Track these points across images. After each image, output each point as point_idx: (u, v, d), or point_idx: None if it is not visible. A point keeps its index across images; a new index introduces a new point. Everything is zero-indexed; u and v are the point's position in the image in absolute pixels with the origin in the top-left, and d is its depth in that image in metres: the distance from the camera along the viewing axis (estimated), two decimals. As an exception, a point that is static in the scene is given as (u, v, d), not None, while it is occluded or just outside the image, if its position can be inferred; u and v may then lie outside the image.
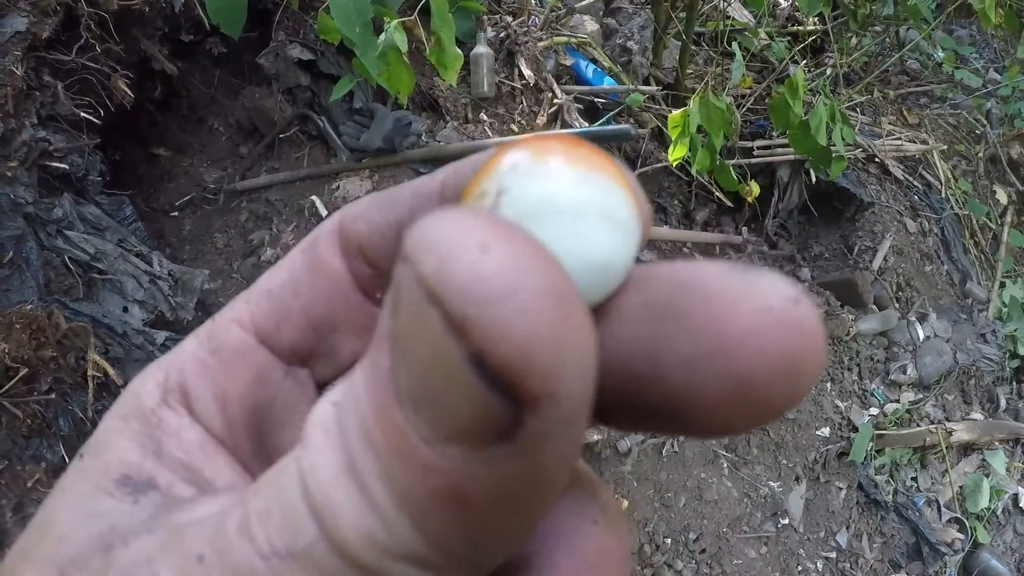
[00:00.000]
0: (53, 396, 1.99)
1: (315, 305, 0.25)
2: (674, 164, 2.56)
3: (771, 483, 2.58)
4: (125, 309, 2.28)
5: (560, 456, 0.15)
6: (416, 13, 1.88)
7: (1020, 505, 3.14)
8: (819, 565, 2.60)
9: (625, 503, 2.28)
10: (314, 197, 2.60)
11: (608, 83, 2.96)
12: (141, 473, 0.23)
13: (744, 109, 3.16)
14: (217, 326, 0.26)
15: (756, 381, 0.16)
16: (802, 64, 3.39)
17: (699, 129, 2.47)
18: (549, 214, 0.15)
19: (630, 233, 0.16)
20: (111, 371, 2.05)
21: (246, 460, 0.25)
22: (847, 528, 2.73)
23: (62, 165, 2.40)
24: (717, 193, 3.17)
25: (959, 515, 2.95)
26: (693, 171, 2.57)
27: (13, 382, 1.88)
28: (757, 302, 0.16)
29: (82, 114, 2.45)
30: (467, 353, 0.13)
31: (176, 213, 3.00)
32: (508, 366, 0.13)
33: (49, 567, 0.20)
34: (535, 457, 0.14)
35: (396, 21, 1.77)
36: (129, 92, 2.55)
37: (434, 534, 0.15)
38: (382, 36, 1.86)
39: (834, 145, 2.70)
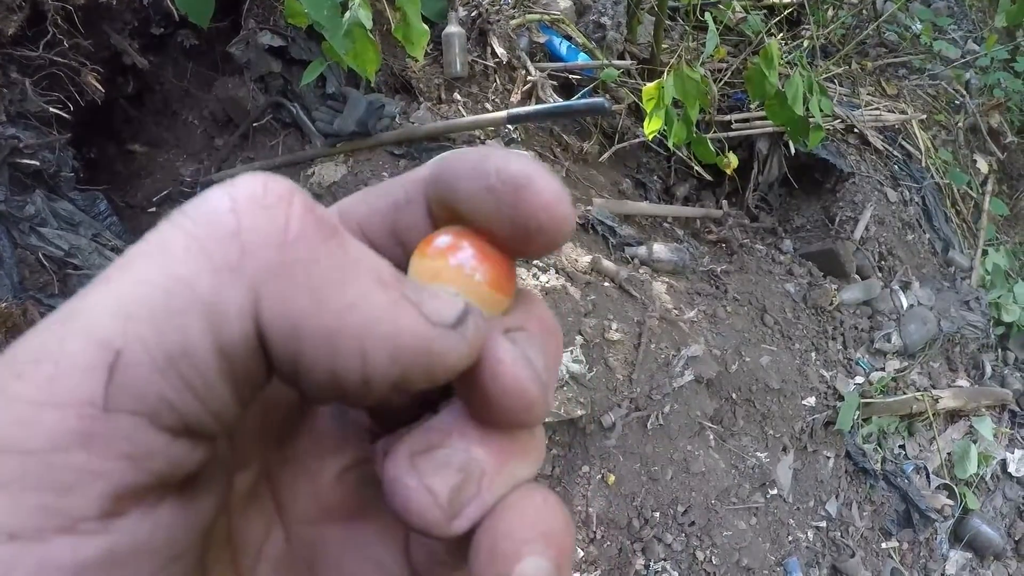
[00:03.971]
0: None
1: None
2: (650, 137, 2.55)
3: (758, 454, 2.58)
4: (102, 303, 2.25)
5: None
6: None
7: (1009, 470, 3.15)
8: (809, 534, 2.60)
9: (612, 478, 2.27)
10: (289, 184, 2.58)
11: (583, 59, 2.94)
12: None
13: (721, 83, 3.16)
14: None
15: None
16: (778, 37, 3.38)
17: (675, 102, 2.46)
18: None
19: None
20: (89, 365, 2.04)
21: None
22: (836, 497, 2.73)
23: (33, 162, 2.37)
24: (696, 168, 3.17)
25: (948, 482, 2.96)
26: (669, 144, 2.56)
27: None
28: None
29: (52, 110, 2.42)
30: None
31: (154, 209, 2.98)
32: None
33: None
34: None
35: (361, -2, 1.76)
36: (100, 87, 2.53)
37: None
38: (347, 14, 1.85)
39: (811, 115, 2.69)
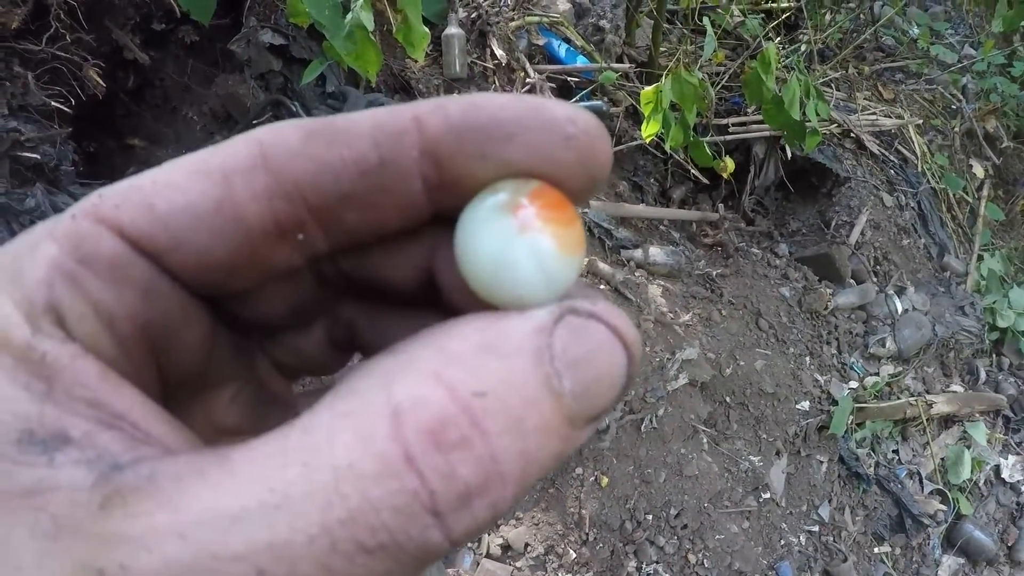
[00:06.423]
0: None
1: (214, 246, 0.22)
2: (647, 140, 2.56)
3: (752, 457, 2.59)
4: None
5: None
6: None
7: (1002, 476, 3.16)
8: (802, 539, 2.61)
9: (605, 480, 2.29)
10: (288, 182, 2.58)
11: (581, 62, 2.95)
12: (44, 424, 0.19)
13: (718, 87, 3.16)
14: (80, 230, 0.21)
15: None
16: (776, 41, 3.39)
17: (672, 106, 2.46)
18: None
19: (576, 272, 0.23)
20: (86, 360, 2.04)
21: (144, 386, 0.22)
22: (829, 501, 2.74)
23: (34, 155, 2.38)
24: (693, 171, 3.17)
25: (941, 487, 2.97)
26: (667, 147, 2.57)
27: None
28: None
29: (53, 104, 2.43)
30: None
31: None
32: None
33: None
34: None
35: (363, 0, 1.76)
36: (101, 82, 2.54)
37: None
38: (349, 15, 1.86)
39: (808, 120, 2.70)
